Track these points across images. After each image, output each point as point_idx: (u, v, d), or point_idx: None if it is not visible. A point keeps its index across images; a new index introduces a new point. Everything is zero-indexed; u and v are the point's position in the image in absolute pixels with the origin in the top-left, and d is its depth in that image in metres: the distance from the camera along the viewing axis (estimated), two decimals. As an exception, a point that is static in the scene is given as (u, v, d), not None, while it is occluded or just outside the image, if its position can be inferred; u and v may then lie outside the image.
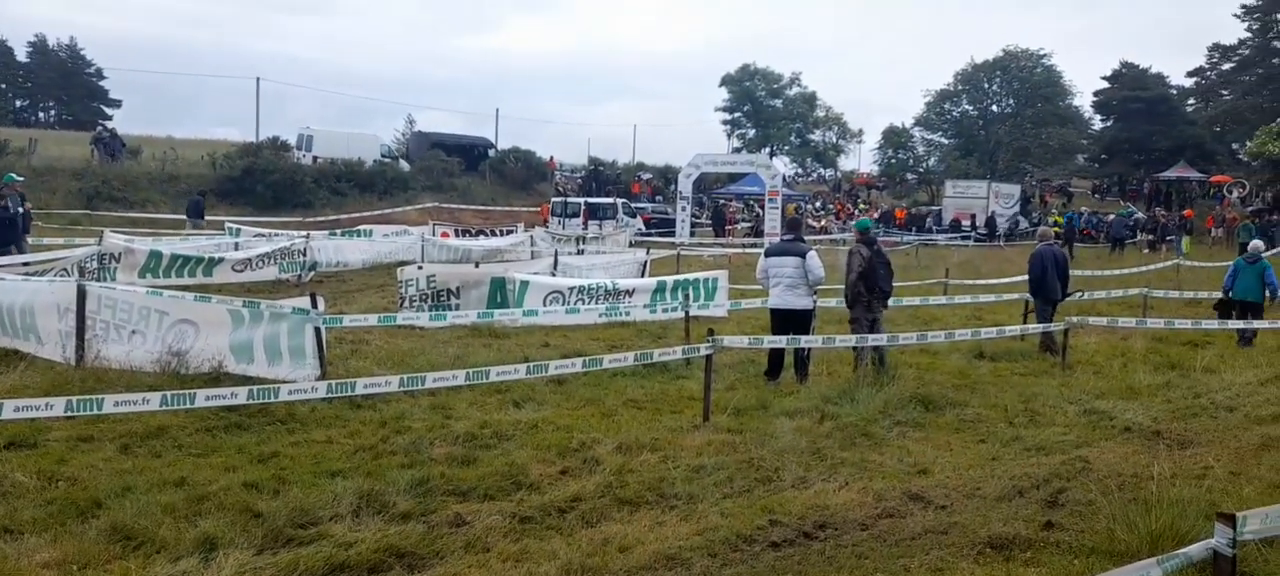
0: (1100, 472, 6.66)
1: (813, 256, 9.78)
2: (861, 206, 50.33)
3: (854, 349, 9.79)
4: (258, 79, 50.84)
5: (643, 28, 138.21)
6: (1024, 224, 43.95)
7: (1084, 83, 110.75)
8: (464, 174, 43.65)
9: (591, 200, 37.40)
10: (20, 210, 15.02)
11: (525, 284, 14.12)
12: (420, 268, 14.72)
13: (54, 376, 8.40)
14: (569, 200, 37.99)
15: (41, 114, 69.27)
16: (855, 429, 7.61)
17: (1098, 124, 63.89)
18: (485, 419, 7.73)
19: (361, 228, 25.52)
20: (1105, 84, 61.35)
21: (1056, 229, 18.41)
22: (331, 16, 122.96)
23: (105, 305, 9.19)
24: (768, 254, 10.04)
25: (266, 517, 5.29)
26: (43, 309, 9.36)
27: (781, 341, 9.11)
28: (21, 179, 16.58)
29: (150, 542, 4.94)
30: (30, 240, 15.48)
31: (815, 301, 9.93)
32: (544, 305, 13.62)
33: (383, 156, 42.01)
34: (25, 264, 12.98)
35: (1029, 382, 10.06)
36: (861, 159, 74.15)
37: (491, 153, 48.51)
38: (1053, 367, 10.89)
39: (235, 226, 22.61)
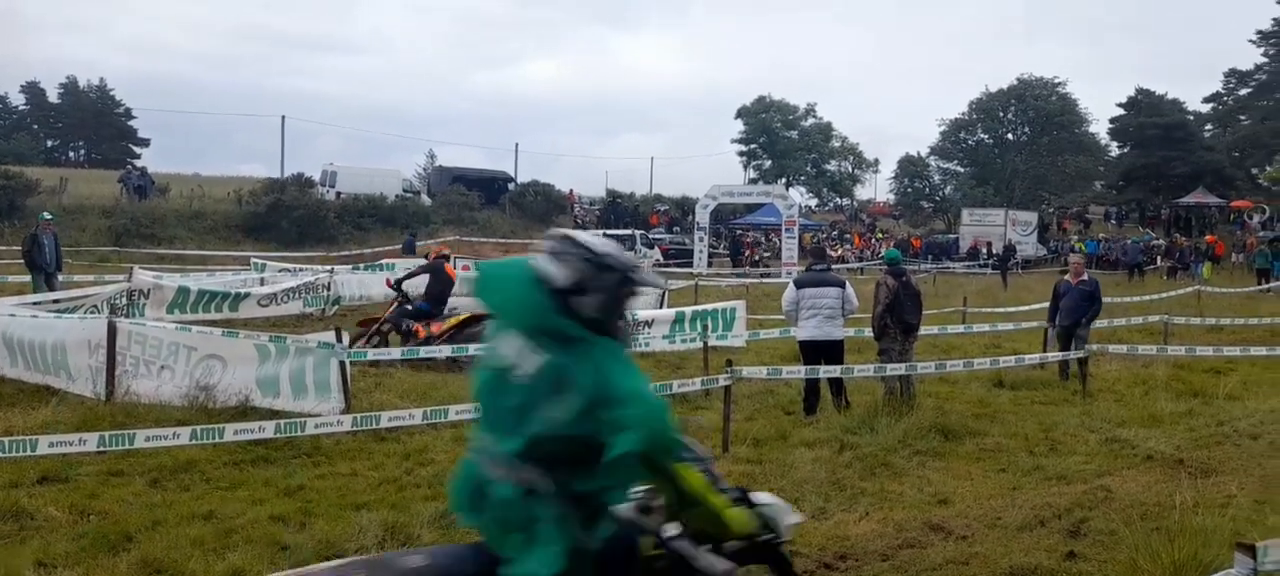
0: (1122, 502, 6.64)
1: (850, 287, 9.81)
2: (879, 236, 50.29)
3: (883, 379, 9.78)
4: (283, 117, 51.70)
5: (658, 62, 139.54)
6: (1042, 251, 43.75)
7: (1099, 110, 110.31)
8: (484, 207, 44.06)
9: (610, 232, 37.62)
10: (55, 247, 15.39)
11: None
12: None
13: (85, 411, 8.56)
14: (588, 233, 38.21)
15: (72, 153, 70.61)
16: (875, 459, 7.63)
17: (1114, 151, 63.67)
18: (507, 451, 7.79)
19: (384, 261, 25.77)
20: (1121, 111, 61.24)
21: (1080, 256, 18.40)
22: (354, 55, 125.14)
23: (135, 341, 9.37)
24: (799, 284, 9.94)
25: (293, 550, 5.38)
26: (74, 345, 9.56)
27: (817, 373, 9.10)
28: (54, 217, 16.96)
29: (180, 575, 5.04)
30: (61, 277, 15.82)
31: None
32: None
33: (404, 191, 42.52)
34: (56, 300, 13.23)
35: (1049, 411, 10.03)
36: (878, 188, 74.26)
37: (511, 186, 48.96)
38: (1073, 396, 10.84)
39: (261, 262, 22.93)
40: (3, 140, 62.57)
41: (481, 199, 44.50)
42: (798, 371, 9.35)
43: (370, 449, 7.77)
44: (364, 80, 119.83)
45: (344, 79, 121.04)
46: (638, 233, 38.06)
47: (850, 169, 70.65)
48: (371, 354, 10.27)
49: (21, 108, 71.86)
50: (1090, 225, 52.99)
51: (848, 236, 49.16)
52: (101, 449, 6.25)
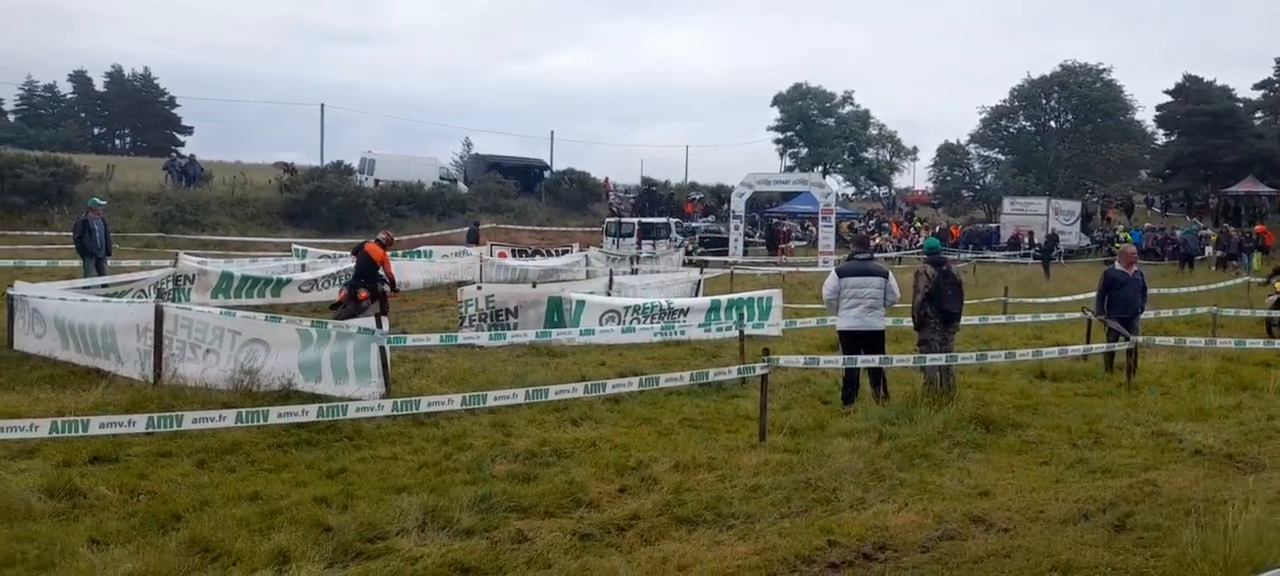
0: (1169, 497, 6.51)
1: (893, 277, 9.71)
2: (918, 224, 49.69)
3: (922, 369, 9.68)
4: (322, 105, 52.24)
5: (692, 50, 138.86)
6: (1085, 241, 42.91)
7: (1146, 97, 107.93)
8: (520, 195, 44.31)
9: (645, 220, 37.61)
10: (104, 231, 15.75)
11: (582, 303, 14.29)
12: (479, 288, 15.01)
13: (133, 394, 8.76)
14: (623, 220, 38.25)
15: (118, 141, 72.07)
16: (914, 450, 7.55)
17: (1161, 139, 62.19)
18: (545, 436, 7.85)
19: (421, 249, 26.03)
20: (1168, 98, 59.74)
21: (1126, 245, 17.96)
22: (391, 45, 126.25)
23: (181, 325, 9.57)
24: (842, 273, 9.83)
25: (336, 532, 5.46)
26: (123, 329, 9.79)
27: (856, 363, 9.03)
28: (104, 203, 17.34)
29: (227, 555, 5.14)
30: (110, 262, 16.17)
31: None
32: (600, 324, 13.76)
33: (441, 179, 42.91)
34: (104, 285, 13.53)
35: (1093, 404, 9.86)
36: (916, 177, 73.28)
37: (547, 174, 49.14)
38: (1118, 388, 10.64)
39: (301, 248, 23.26)
40: (51, 128, 63.98)
41: (517, 187, 44.77)
42: (836, 361, 9.27)
43: (410, 433, 7.86)
44: (401, 71, 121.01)
45: (381, 70, 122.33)
46: (672, 221, 38.00)
47: (888, 157, 69.77)
48: (411, 339, 10.37)
49: (69, 96, 73.49)
50: (1133, 213, 51.84)
51: (886, 225, 48.63)
52: (150, 430, 6.38)
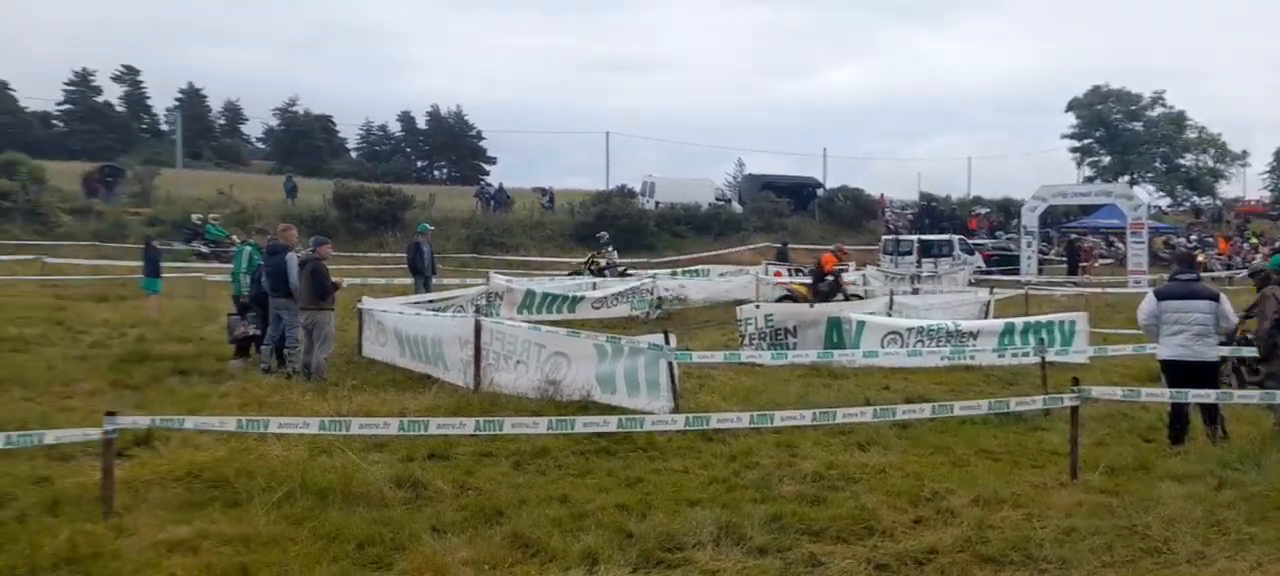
0: None
1: (1227, 300, 8.58)
2: (1253, 240, 43.16)
3: (1270, 408, 8.43)
4: (607, 133, 55.33)
5: (972, 57, 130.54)
6: None
7: None
8: (794, 213, 44.31)
9: (925, 237, 35.98)
10: (431, 253, 17.96)
11: (861, 324, 13.98)
12: (758, 307, 15.18)
13: (458, 398, 9.84)
14: (901, 238, 36.88)
15: (436, 172, 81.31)
16: (1266, 500, 6.58)
17: None
18: (831, 459, 7.78)
19: (699, 267, 26.83)
20: None
21: None
22: (666, 72, 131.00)
23: (496, 337, 10.61)
24: (1161, 296, 8.78)
25: (638, 538, 5.77)
26: (448, 340, 11.04)
27: (1186, 397, 8.05)
28: (432, 228, 19.74)
29: (544, 551, 5.61)
30: (434, 280, 18.34)
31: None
32: (882, 346, 13.38)
33: (717, 199, 44.01)
34: (431, 300, 15.36)
35: None
36: (1247, 184, 63.70)
37: (820, 191, 48.69)
38: None
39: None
40: (385, 162, 73.50)
41: (791, 205, 44.76)
42: (1160, 394, 8.28)
43: (698, 448, 8.12)
44: (676, 96, 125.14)
45: (658, 95, 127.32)
46: (955, 237, 36.01)
47: (1211, 163, 61.47)
48: (696, 356, 10.72)
49: (397, 134, 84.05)
50: None
51: (1210, 240, 42.73)
52: (475, 432, 7.16)
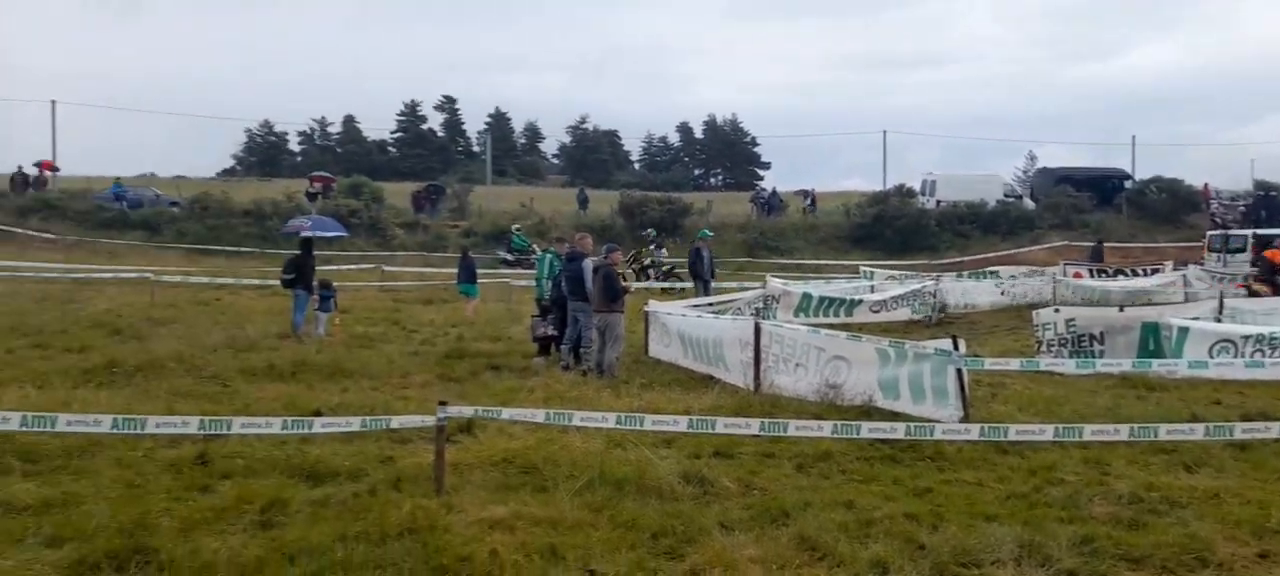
0: None
1: None
2: None
3: None
4: (884, 132, 53.72)
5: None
6: None
7: None
8: (1097, 209, 40.37)
9: (1262, 232, 31.11)
10: (710, 257, 18.54)
11: (1184, 330, 12.44)
12: (1057, 311, 14.04)
13: (739, 399, 10.06)
14: (1231, 233, 32.20)
15: (712, 179, 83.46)
16: None
17: None
18: (1150, 480, 7.02)
19: (988, 269, 25.25)
20: None
21: None
22: (946, 66, 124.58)
23: (774, 340, 10.72)
24: None
25: (930, 551, 5.57)
26: (729, 342, 11.32)
27: None
28: (712, 234, 20.37)
29: (831, 556, 5.59)
30: (713, 284, 18.88)
31: None
32: (1212, 355, 11.82)
33: (1006, 196, 41.22)
34: (710, 304, 15.81)
35: None
36: None
37: (1128, 184, 43.87)
38: None
39: (869, 270, 24.29)
40: (665, 171, 76.70)
41: (1093, 200, 40.79)
42: None
43: (992, 460, 7.67)
44: (959, 89, 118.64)
45: (940, 90, 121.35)
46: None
47: None
48: (988, 363, 10.13)
49: (675, 144, 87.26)
50: None
51: None
52: (759, 433, 7.29)
